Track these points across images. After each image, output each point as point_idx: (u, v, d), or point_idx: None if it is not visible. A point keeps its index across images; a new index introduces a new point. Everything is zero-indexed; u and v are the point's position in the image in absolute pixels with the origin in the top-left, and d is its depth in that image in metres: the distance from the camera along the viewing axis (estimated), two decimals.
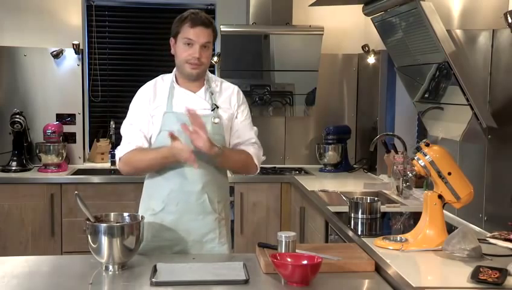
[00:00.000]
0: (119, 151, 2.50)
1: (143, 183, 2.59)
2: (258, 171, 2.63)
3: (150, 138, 2.50)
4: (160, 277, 1.99)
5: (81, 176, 4.39)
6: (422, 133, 3.97)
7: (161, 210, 2.47)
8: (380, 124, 4.40)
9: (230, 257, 2.39)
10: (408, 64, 3.05)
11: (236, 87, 2.61)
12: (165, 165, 2.43)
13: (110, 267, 2.09)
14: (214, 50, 2.37)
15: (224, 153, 2.41)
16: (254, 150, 2.58)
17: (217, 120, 2.46)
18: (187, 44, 2.42)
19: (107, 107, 5.01)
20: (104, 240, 2.05)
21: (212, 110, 2.48)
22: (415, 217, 2.79)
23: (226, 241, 2.53)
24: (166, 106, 2.47)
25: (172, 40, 2.50)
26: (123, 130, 2.53)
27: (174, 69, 2.55)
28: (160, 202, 2.47)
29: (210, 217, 2.48)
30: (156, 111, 2.48)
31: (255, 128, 2.64)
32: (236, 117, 2.56)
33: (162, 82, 2.55)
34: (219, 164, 2.48)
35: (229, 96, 2.56)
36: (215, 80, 2.58)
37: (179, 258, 2.27)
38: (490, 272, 1.93)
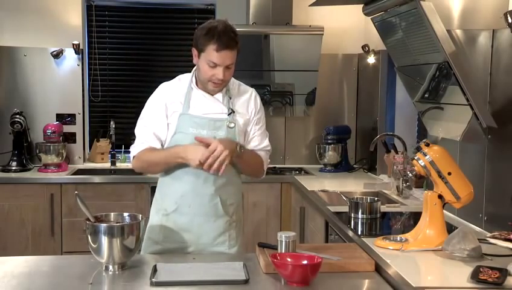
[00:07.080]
0: (134, 150, 2.48)
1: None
2: (264, 176, 2.68)
3: (164, 141, 2.47)
4: (160, 277, 1.99)
5: (81, 176, 4.40)
6: (422, 133, 3.97)
7: (173, 211, 2.46)
8: (380, 124, 4.39)
9: (230, 257, 2.38)
10: (408, 64, 3.05)
11: (253, 92, 2.58)
12: (177, 163, 2.39)
13: (110, 267, 2.08)
14: None
15: (242, 155, 2.43)
16: (265, 156, 2.60)
17: (232, 125, 2.45)
18: (211, 65, 2.37)
19: (107, 107, 5.01)
20: (104, 240, 2.04)
21: (228, 115, 2.46)
22: (415, 217, 2.79)
23: (235, 243, 2.53)
24: (183, 107, 2.44)
25: (194, 51, 2.41)
26: (137, 129, 2.50)
27: (194, 70, 2.50)
28: (173, 202, 2.46)
29: (222, 220, 2.48)
30: (173, 112, 2.45)
31: (267, 133, 2.64)
32: (255, 124, 2.55)
33: (180, 83, 2.51)
34: (235, 162, 2.45)
35: (247, 100, 2.54)
36: (233, 82, 2.54)
37: (179, 258, 2.27)
38: (490, 272, 1.93)
